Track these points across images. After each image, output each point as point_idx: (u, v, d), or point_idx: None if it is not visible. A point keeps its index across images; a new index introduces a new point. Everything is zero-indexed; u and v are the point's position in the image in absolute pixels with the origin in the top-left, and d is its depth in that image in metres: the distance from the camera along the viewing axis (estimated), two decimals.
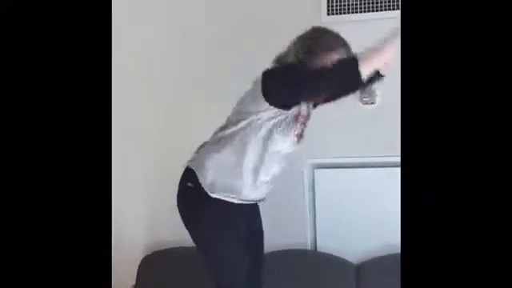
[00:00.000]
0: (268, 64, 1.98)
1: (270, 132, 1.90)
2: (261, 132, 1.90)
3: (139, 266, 2.75)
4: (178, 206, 2.03)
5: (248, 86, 1.94)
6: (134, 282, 2.74)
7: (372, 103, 2.48)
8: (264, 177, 1.97)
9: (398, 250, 2.33)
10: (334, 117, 2.59)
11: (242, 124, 1.91)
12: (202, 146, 2.06)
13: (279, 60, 1.98)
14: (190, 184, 1.99)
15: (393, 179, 2.51)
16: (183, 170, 2.04)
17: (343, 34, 2.04)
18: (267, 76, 1.90)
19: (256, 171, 1.94)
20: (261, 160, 1.93)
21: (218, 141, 1.99)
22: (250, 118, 1.90)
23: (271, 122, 1.90)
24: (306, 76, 1.86)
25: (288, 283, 2.51)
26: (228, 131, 1.95)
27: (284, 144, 1.95)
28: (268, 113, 1.88)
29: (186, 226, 2.03)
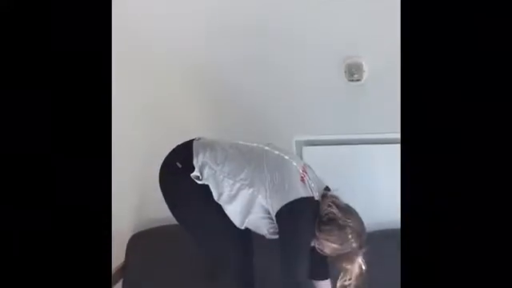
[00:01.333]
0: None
1: (258, 215, 1.98)
2: (254, 205, 1.97)
3: (128, 244, 2.75)
4: (161, 185, 2.04)
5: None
6: (122, 260, 2.75)
7: (358, 80, 2.49)
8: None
9: (388, 227, 2.38)
10: (320, 94, 2.59)
11: (249, 188, 1.96)
12: (216, 141, 2.07)
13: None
14: (178, 164, 1.99)
15: (383, 156, 2.53)
16: (181, 144, 2.04)
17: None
18: (302, 208, 1.94)
19: (242, 214, 1.99)
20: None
21: (234, 150, 2.02)
22: (258, 198, 1.95)
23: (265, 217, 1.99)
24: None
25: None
26: (237, 165, 1.98)
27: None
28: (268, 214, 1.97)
29: (167, 204, 2.05)
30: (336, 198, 2.01)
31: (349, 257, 1.92)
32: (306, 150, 2.63)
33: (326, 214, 1.93)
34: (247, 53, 2.59)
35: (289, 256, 1.93)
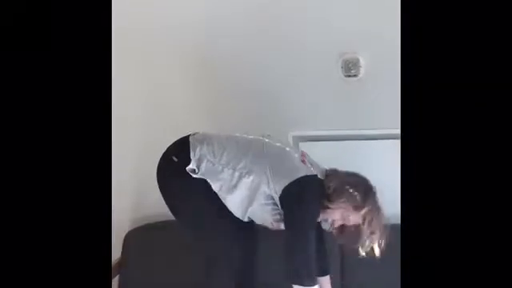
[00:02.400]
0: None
1: (261, 202, 1.95)
2: (257, 193, 1.94)
3: (124, 240, 2.75)
4: (158, 181, 2.03)
5: None
6: (118, 256, 2.75)
7: (355, 76, 2.49)
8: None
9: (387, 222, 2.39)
10: (317, 89, 2.60)
11: (249, 175, 1.93)
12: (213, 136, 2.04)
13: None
14: (174, 158, 1.98)
15: (380, 152, 2.54)
16: (177, 139, 2.03)
17: None
18: (307, 194, 1.92)
19: (243, 205, 1.97)
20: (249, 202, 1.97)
21: (231, 142, 2.00)
22: (260, 185, 1.93)
23: (269, 203, 1.96)
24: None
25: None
26: (238, 153, 1.96)
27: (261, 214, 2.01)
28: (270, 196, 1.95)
29: (165, 200, 2.04)
30: (336, 170, 2.03)
31: (372, 217, 1.93)
32: (303, 145, 2.63)
33: (333, 188, 1.95)
34: (244, 49, 2.59)
35: (294, 234, 1.91)
